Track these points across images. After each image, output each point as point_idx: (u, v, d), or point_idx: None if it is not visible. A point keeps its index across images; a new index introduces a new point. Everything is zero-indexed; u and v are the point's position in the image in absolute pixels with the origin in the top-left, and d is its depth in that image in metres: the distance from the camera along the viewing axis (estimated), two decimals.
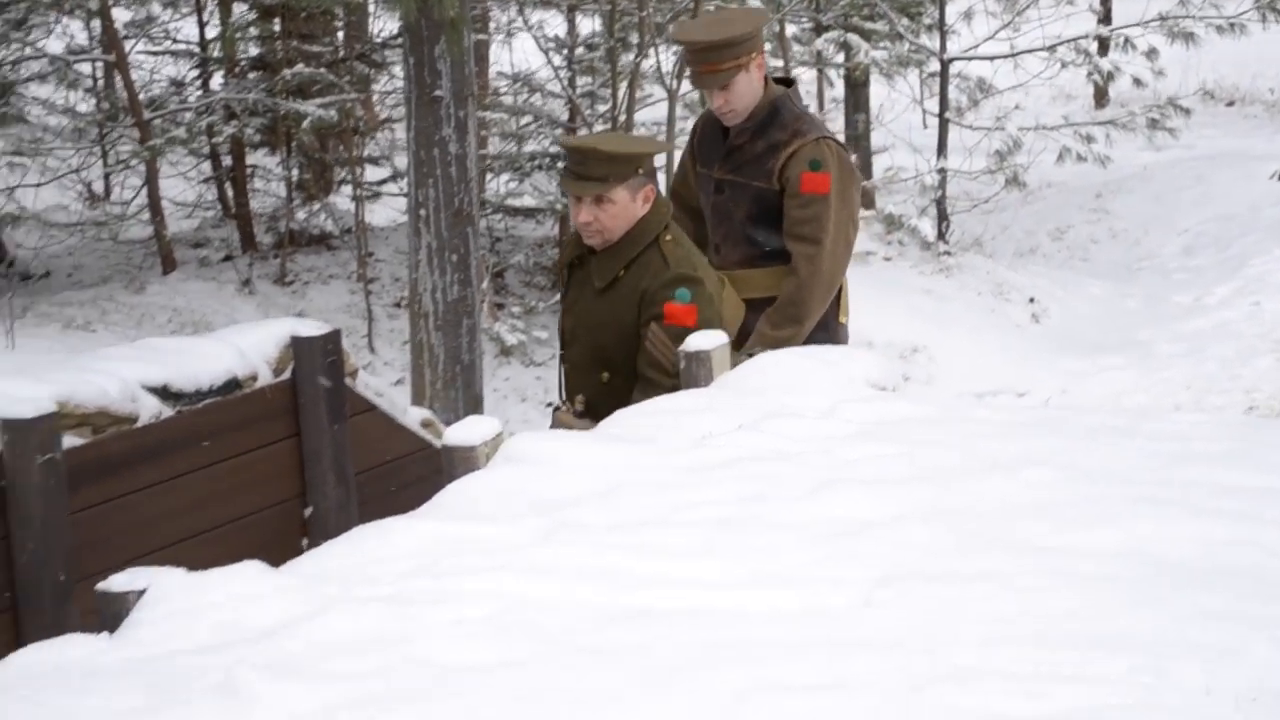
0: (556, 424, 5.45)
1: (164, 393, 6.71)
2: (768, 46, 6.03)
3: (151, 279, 19.43)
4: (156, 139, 18.78)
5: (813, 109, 22.16)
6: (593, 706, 3.19)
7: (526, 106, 20.31)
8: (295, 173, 20.49)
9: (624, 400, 5.09)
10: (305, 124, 18.11)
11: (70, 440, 6.27)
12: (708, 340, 5.71)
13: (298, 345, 7.16)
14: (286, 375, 7.22)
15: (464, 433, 5.44)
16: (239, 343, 7.19)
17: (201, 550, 6.71)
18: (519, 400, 16.98)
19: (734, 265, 5.73)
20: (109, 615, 4.03)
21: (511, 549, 4.31)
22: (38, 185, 20.10)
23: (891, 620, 3.60)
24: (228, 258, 20.75)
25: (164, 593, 3.97)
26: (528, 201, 19.89)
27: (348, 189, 20.80)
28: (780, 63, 18.82)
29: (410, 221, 13.75)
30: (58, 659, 3.69)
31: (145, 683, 3.40)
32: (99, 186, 22.09)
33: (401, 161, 18.43)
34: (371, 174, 20.47)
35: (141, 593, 4.01)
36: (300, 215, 20.47)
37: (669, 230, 4.97)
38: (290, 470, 7.24)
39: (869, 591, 3.74)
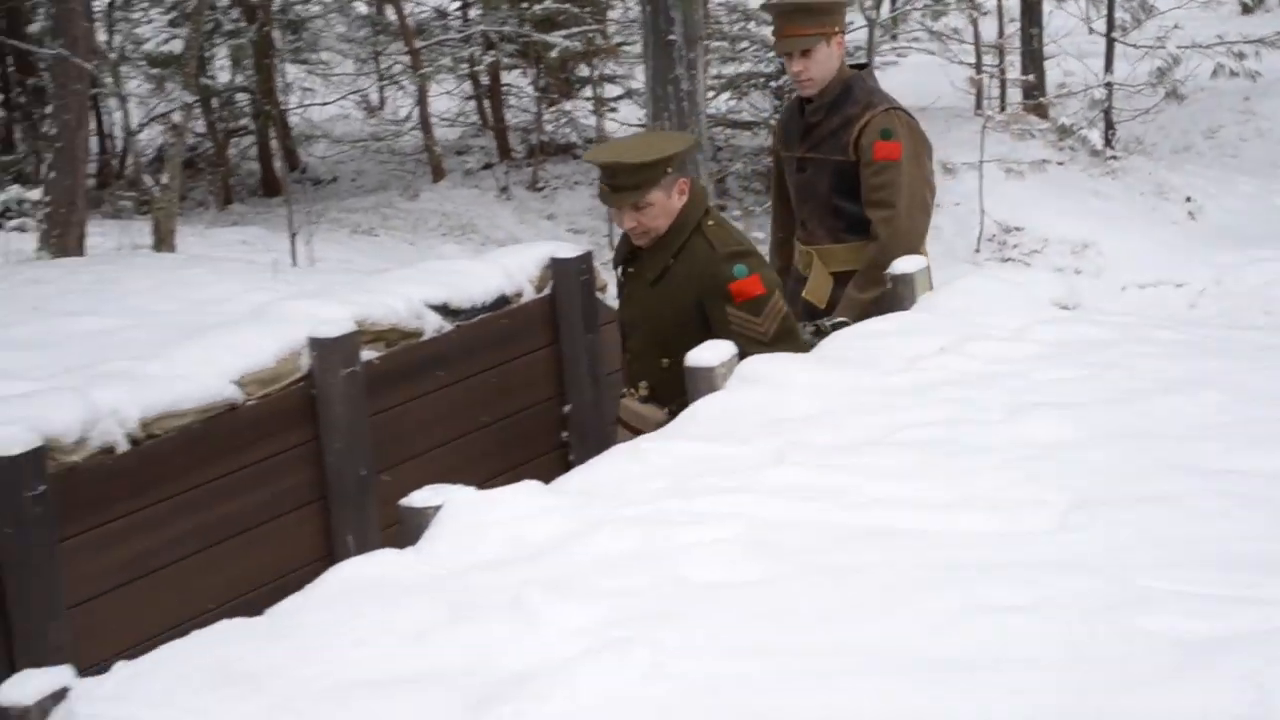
0: (624, 411, 5.47)
1: (444, 310, 7.03)
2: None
3: (423, 186, 20.08)
4: (427, 67, 19.77)
5: (993, 28, 21.99)
6: (837, 622, 3.30)
7: (743, 33, 20.48)
8: (543, 90, 21.37)
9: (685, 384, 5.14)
10: (553, 53, 19.25)
11: (367, 354, 6.54)
12: (911, 264, 5.69)
13: (556, 266, 7.42)
14: (547, 291, 7.48)
15: (704, 355, 5.44)
16: (506, 264, 7.49)
17: (476, 444, 7.18)
18: None
19: (821, 240, 5.76)
20: (411, 528, 4.31)
21: (751, 469, 4.45)
22: (323, 104, 21.32)
23: (1083, 542, 3.65)
24: (487, 166, 21.51)
25: (456, 510, 4.20)
26: (745, 117, 20.72)
27: (587, 104, 21.84)
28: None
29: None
30: (372, 573, 3.95)
31: (446, 599, 3.62)
32: (375, 101, 23.34)
33: (633, 83, 20.11)
34: (609, 91, 21.37)
35: (438, 509, 4.27)
36: (549, 128, 21.46)
37: (709, 215, 4.92)
38: (550, 375, 7.48)
39: (1063, 515, 3.80)
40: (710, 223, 4.81)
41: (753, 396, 5.15)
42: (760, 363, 5.38)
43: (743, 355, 4.93)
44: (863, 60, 5.65)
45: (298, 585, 4.14)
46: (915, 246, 5.57)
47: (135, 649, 4.21)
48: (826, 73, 5.61)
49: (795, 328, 4.86)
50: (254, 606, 4.22)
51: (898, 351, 5.56)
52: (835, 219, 5.66)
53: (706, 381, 5.36)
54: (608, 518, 4.08)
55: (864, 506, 4.05)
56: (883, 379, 5.32)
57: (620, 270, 5.33)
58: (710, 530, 3.91)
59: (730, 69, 20.89)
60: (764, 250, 6.66)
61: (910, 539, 3.86)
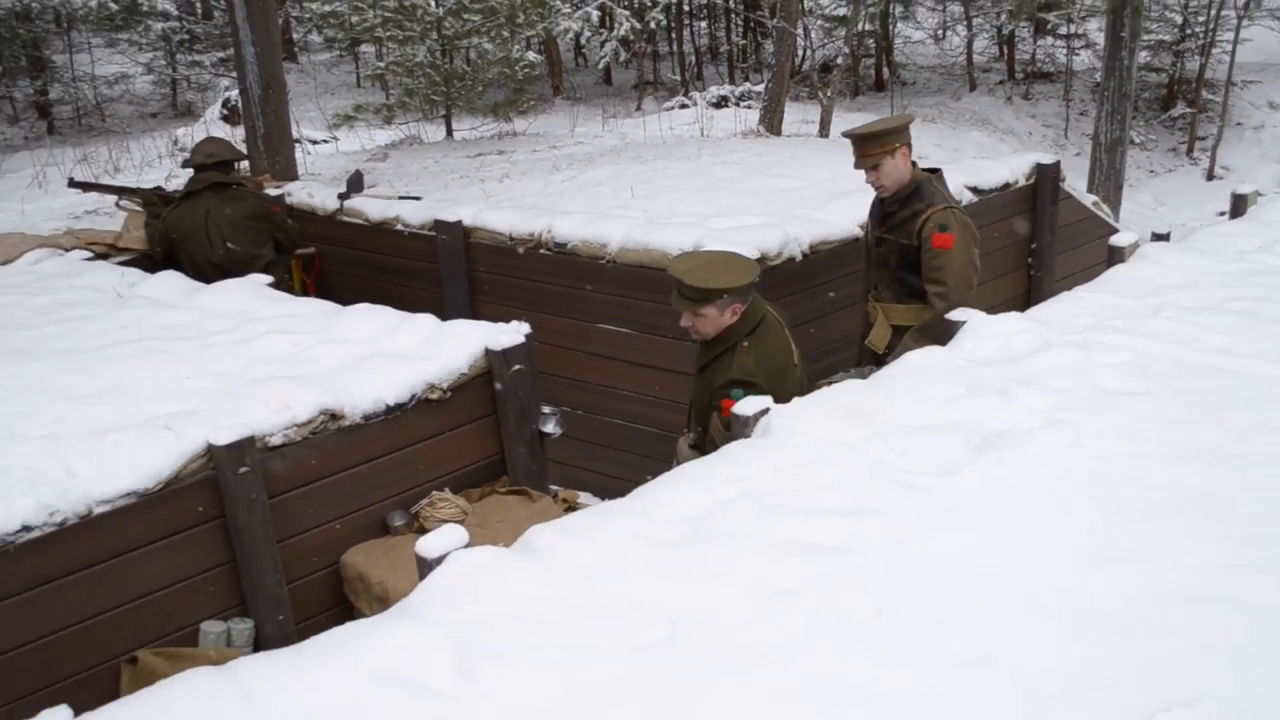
0: (678, 444, 5.11)
1: (974, 189, 7.93)
2: None
3: (963, 93, 21.18)
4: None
5: None
6: (1181, 427, 3.73)
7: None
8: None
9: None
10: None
11: None
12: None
13: (1040, 168, 8.24)
14: (1033, 182, 8.28)
15: (1127, 236, 5.90)
16: (1009, 163, 8.32)
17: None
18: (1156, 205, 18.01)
19: (887, 300, 5.65)
20: (950, 337, 4.69)
21: (1140, 317, 4.76)
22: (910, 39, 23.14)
23: None
24: (1000, 82, 21.60)
25: (976, 323, 4.74)
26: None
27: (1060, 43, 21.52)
28: None
29: (1100, 101, 14.95)
30: (934, 360, 4.40)
31: (965, 380, 4.10)
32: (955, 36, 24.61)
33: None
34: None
35: (961, 324, 4.76)
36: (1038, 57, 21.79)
37: (749, 337, 4.59)
38: (1025, 239, 8.34)
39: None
40: (745, 345, 4.55)
41: (1145, 272, 5.47)
42: (1154, 248, 5.75)
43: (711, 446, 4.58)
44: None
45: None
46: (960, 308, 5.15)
47: None
48: (896, 179, 5.50)
49: None
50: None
51: (1232, 245, 5.91)
52: (900, 286, 5.62)
53: (1125, 256, 5.74)
54: (1056, 340, 4.45)
55: (1202, 351, 4.36)
56: (1221, 264, 5.62)
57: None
58: (1115, 355, 4.28)
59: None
60: None
61: (1227, 376, 4.16)
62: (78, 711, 2.60)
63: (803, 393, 4.34)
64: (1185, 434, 3.63)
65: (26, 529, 4.15)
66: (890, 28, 21.59)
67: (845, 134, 5.48)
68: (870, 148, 5.40)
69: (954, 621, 2.73)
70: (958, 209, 5.37)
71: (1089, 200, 9.00)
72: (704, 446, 4.61)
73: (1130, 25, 14.18)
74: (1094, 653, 2.59)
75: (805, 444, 3.65)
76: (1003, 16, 21.19)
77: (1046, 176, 8.21)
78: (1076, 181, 9.05)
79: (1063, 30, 21.23)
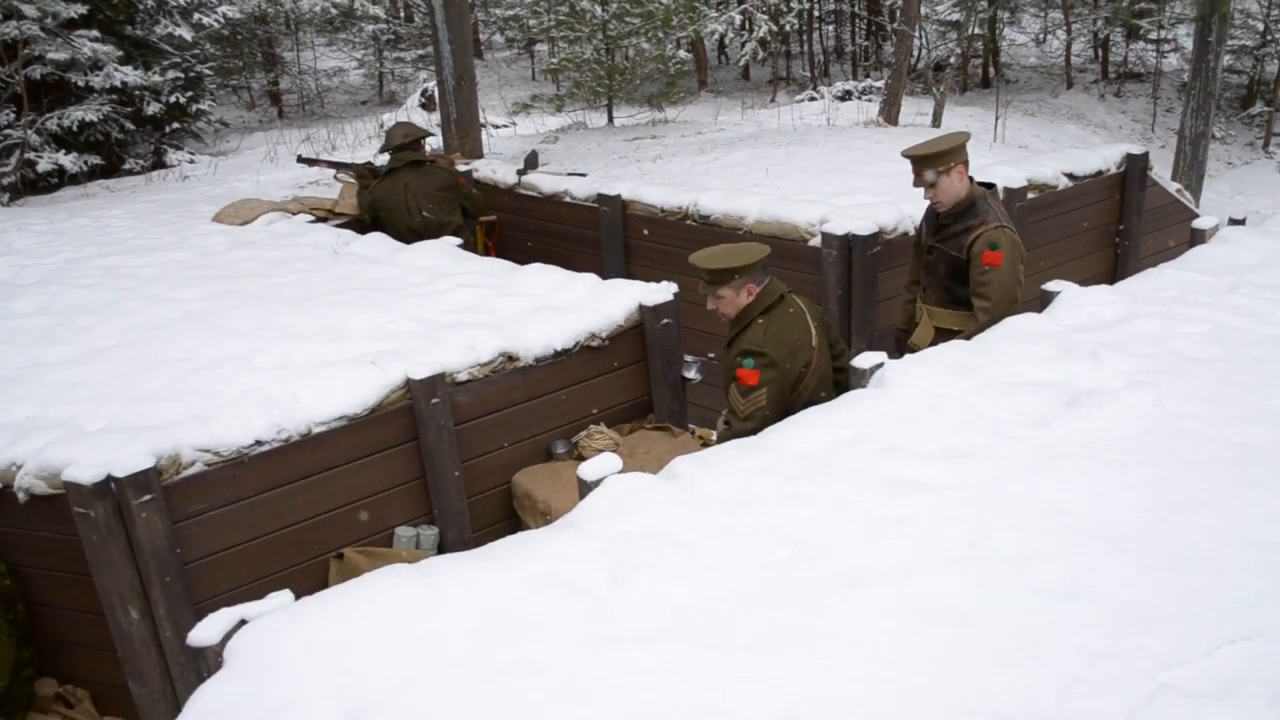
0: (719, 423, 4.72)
1: (1070, 175, 7.61)
2: None
3: (1061, 90, 20.34)
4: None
5: None
6: (1256, 393, 3.59)
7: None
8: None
9: None
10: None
11: (1031, 195, 7.07)
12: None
13: (1130, 159, 7.94)
14: (1123, 170, 7.95)
15: (1207, 220, 5.76)
16: (1103, 153, 7.98)
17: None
18: (1233, 194, 17.00)
19: (934, 304, 5.14)
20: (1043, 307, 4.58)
21: (1218, 292, 4.65)
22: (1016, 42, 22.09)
23: None
24: (1095, 81, 20.71)
25: (1069, 295, 4.58)
26: None
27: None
28: None
29: (1186, 99, 14.26)
30: (1034, 325, 4.31)
31: (1058, 344, 4.02)
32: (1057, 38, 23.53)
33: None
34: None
35: (1056, 294, 4.62)
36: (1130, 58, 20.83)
37: (764, 315, 4.31)
38: (1113, 221, 8.06)
39: None
40: (759, 321, 4.29)
41: (1223, 253, 5.30)
42: (1236, 232, 5.47)
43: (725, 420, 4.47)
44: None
45: None
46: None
47: None
48: (952, 195, 4.93)
49: (764, 420, 4.10)
50: None
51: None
52: (946, 293, 5.12)
53: (1204, 237, 5.59)
54: (1141, 311, 4.33)
55: (1274, 324, 4.21)
56: None
57: None
58: (1195, 326, 4.16)
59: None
60: None
61: None
62: (296, 596, 2.69)
63: (822, 375, 4.32)
64: (1257, 398, 3.50)
65: (259, 443, 4.29)
66: (997, 32, 20.93)
67: (904, 154, 4.99)
68: (928, 166, 4.88)
69: (1042, 555, 2.67)
70: (1009, 228, 4.85)
71: (1173, 188, 8.67)
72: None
73: (1217, 31, 13.61)
74: (1167, 589, 2.51)
75: (914, 394, 3.60)
76: (1099, 22, 20.40)
77: (1135, 166, 7.91)
78: (1162, 171, 8.72)
79: (1153, 35, 20.38)
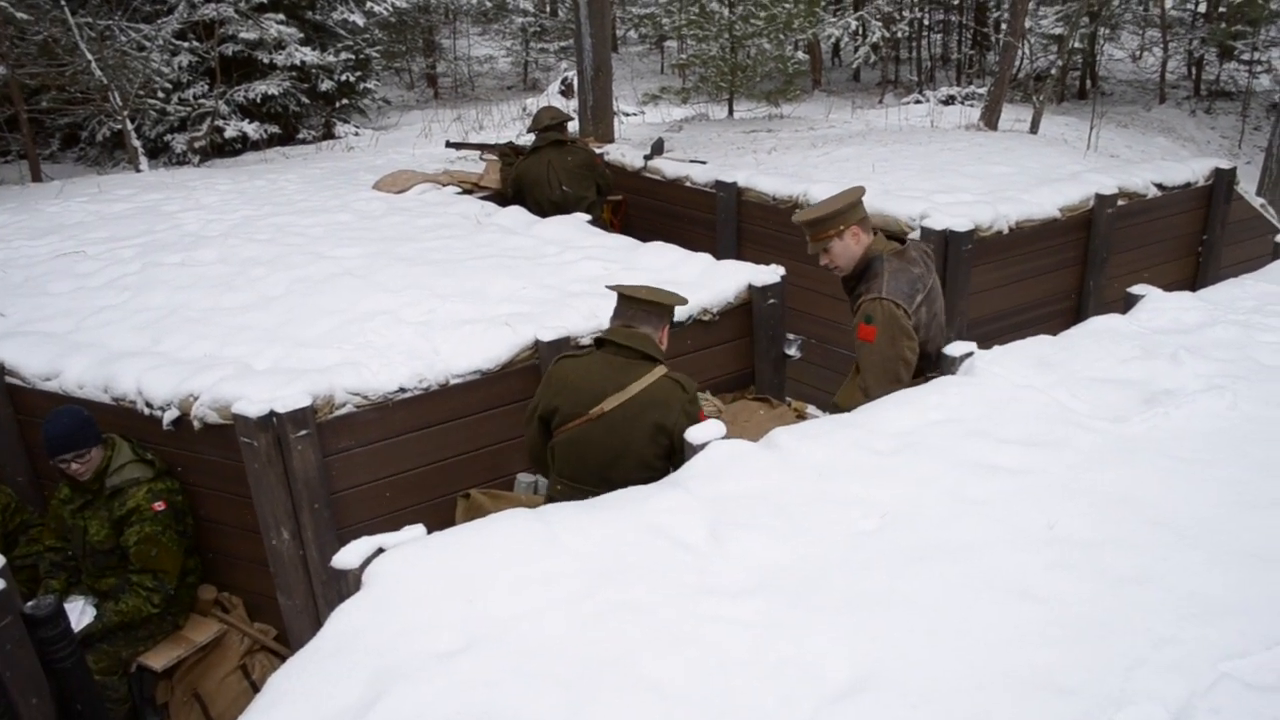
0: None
1: (1159, 185, 7.27)
2: None
3: (1153, 104, 19.30)
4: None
5: None
6: None
7: None
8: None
9: None
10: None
11: (1122, 201, 6.75)
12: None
13: (1217, 174, 7.59)
14: (1210, 184, 7.60)
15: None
16: (1191, 166, 7.62)
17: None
18: None
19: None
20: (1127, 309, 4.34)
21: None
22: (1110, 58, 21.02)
23: None
24: (1187, 98, 19.99)
25: (1154, 300, 4.35)
26: None
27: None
28: None
29: (1275, 118, 13.36)
30: (1112, 325, 4.11)
31: (1139, 345, 3.81)
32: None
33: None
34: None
35: (1140, 298, 4.38)
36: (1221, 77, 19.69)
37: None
38: (1197, 231, 7.73)
39: None
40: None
41: None
42: None
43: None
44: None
45: None
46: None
47: None
48: (847, 259, 4.06)
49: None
50: None
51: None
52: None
53: None
54: (1221, 318, 4.13)
55: None
56: None
57: None
58: (1273, 335, 3.98)
59: None
60: None
61: None
62: (427, 530, 2.71)
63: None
64: None
65: (402, 390, 4.34)
66: (1097, 47, 20.14)
67: (794, 220, 4.14)
68: (818, 232, 4.04)
69: (1114, 542, 2.57)
70: (889, 300, 3.88)
71: (1257, 202, 8.29)
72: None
73: None
74: (1233, 582, 2.40)
75: (1001, 384, 3.49)
76: (1195, 42, 19.47)
77: (1222, 179, 7.57)
78: (1247, 186, 8.31)
79: (1246, 56, 19.37)
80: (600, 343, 3.65)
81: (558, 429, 3.63)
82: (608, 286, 3.76)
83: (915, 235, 6.13)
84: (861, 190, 4.05)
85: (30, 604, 3.31)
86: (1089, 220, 6.72)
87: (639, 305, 3.63)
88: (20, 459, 4.82)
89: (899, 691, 2.01)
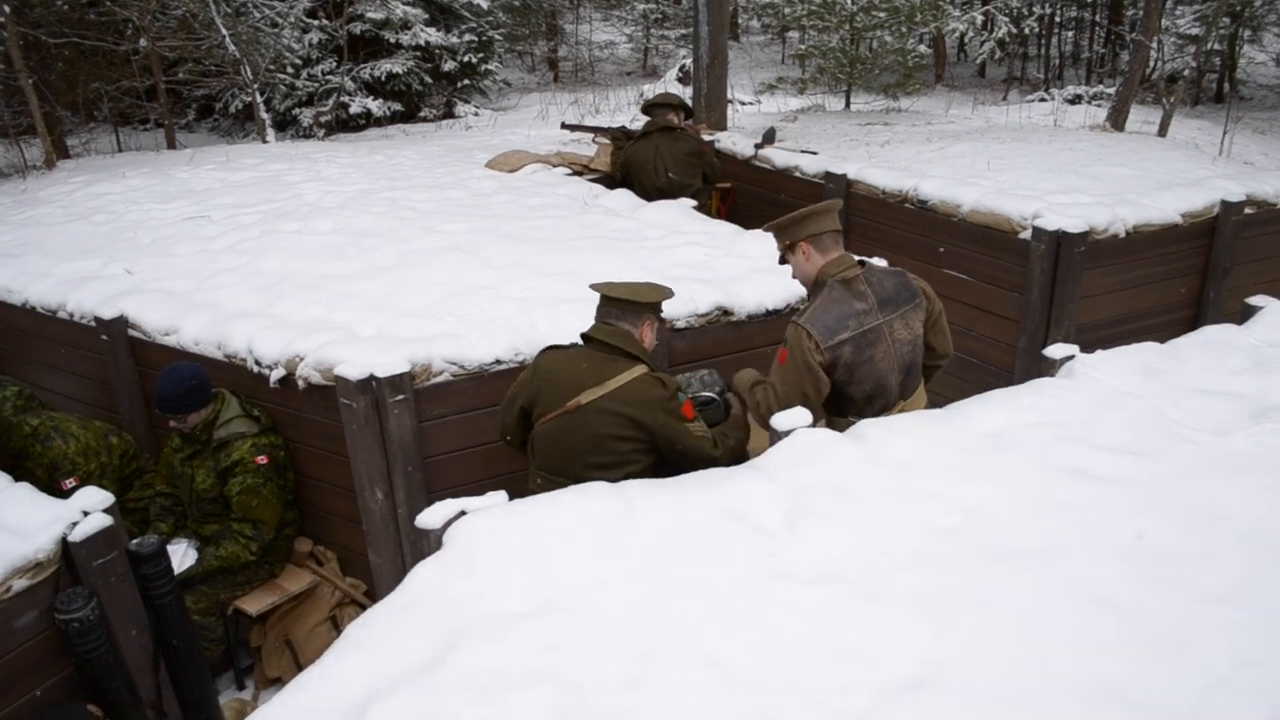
0: None
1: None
2: None
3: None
4: None
5: None
6: None
7: None
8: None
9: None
10: None
11: (1249, 210, 6.41)
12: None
13: None
14: None
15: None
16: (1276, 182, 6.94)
17: None
18: None
19: None
20: None
21: None
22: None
23: None
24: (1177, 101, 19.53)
25: (1271, 309, 4.17)
26: None
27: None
28: None
29: None
30: (1226, 336, 3.93)
31: (1254, 357, 3.68)
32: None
33: None
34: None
35: (1259, 309, 4.21)
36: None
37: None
38: None
39: None
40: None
41: None
42: None
43: None
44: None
45: None
46: (764, 418, 3.62)
47: None
48: (801, 275, 3.74)
49: None
50: None
51: None
52: None
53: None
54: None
55: None
56: None
57: None
58: None
59: None
60: None
61: None
62: (510, 498, 2.76)
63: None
64: None
65: (498, 362, 4.42)
66: (1237, 48, 19.25)
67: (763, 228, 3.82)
68: (778, 241, 3.78)
69: (1204, 557, 2.47)
70: (804, 328, 3.59)
71: None
72: None
73: None
74: None
75: (1100, 389, 3.39)
76: None
77: None
78: None
79: None
80: (586, 339, 3.67)
81: (538, 419, 3.64)
82: (590, 286, 3.76)
83: (1026, 235, 5.96)
84: (828, 206, 3.70)
85: (135, 541, 3.47)
86: (1213, 227, 6.44)
87: (616, 304, 3.62)
88: (139, 408, 5.04)
89: (962, 690, 1.97)
